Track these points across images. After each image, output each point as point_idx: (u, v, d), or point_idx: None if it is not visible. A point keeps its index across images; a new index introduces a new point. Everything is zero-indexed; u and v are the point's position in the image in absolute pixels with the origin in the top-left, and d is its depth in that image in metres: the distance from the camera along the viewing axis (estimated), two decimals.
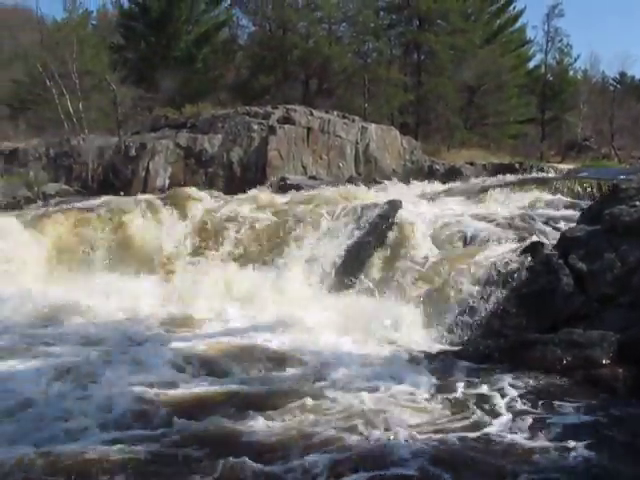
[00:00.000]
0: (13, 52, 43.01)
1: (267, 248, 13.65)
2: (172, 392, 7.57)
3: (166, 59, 30.62)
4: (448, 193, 17.26)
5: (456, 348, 9.31)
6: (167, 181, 20.87)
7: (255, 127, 21.63)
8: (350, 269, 12.30)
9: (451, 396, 7.50)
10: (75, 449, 6.07)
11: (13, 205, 19.61)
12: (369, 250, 12.47)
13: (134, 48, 32.79)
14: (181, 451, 6.07)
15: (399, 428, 6.46)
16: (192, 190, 17.22)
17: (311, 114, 22.47)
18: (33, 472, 5.70)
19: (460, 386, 7.78)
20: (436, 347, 9.44)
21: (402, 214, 13.09)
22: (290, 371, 8.51)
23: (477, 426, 6.65)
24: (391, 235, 12.61)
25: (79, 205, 16.34)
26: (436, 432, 6.45)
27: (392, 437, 6.29)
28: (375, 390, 7.66)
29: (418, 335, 9.90)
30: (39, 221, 14.81)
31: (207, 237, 14.49)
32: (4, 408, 7.05)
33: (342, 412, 7.01)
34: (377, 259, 12.31)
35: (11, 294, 11.75)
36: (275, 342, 9.60)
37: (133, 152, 21.52)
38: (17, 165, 22.26)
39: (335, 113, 23.74)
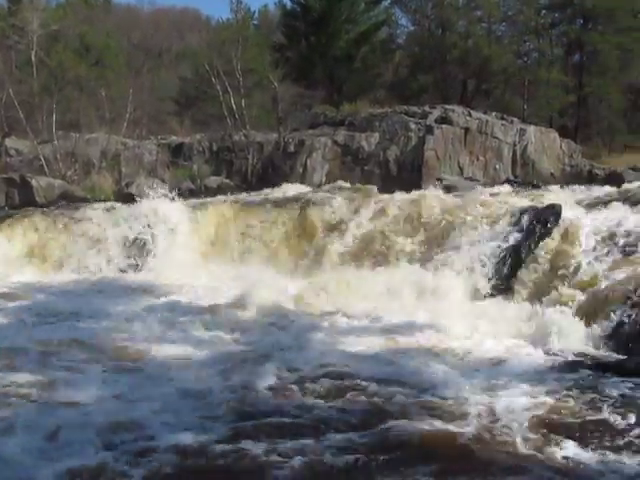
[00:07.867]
0: (181, 51, 45.17)
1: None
2: None
3: (325, 58, 31.09)
4: (611, 199, 16.48)
5: (614, 359, 9.05)
6: (324, 178, 21.34)
7: (412, 126, 21.71)
8: (506, 273, 12.20)
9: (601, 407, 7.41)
10: None
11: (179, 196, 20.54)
12: (526, 254, 12.28)
13: (295, 47, 33.45)
14: None
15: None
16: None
17: (469, 115, 22.28)
18: None
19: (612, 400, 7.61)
20: (594, 357, 9.19)
21: (563, 219, 12.75)
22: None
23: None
24: (550, 240, 12.34)
25: None
26: None
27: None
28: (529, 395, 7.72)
29: (576, 344, 9.64)
30: None
31: None
32: None
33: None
34: (534, 264, 12.10)
35: None
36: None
37: (292, 148, 22.16)
38: (182, 159, 23.43)
39: (493, 114, 23.44)
